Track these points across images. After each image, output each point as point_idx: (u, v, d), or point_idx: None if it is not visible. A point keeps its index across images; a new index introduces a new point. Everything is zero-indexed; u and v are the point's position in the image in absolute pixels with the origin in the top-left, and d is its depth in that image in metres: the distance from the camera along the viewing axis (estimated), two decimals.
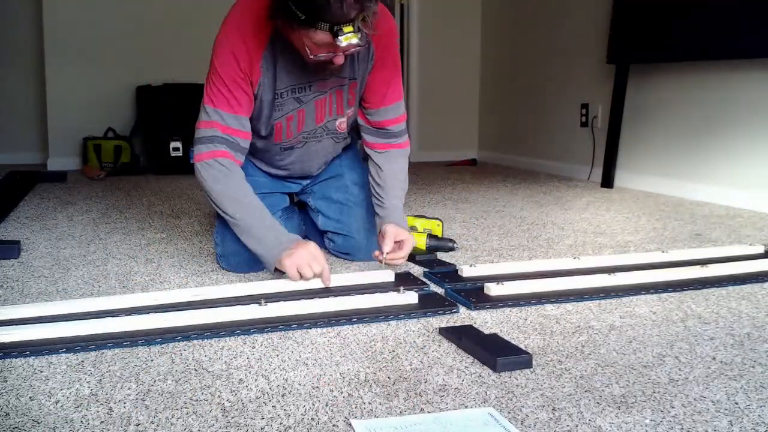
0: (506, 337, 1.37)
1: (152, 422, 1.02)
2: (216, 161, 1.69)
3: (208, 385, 1.16)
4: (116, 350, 1.32)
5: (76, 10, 4.57)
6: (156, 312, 1.49)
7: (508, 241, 2.35)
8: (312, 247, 1.66)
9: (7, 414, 1.05)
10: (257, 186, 1.81)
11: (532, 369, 1.23)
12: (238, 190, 1.71)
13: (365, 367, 1.24)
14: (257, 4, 1.62)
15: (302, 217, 2.17)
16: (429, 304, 1.57)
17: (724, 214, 2.91)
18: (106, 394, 1.12)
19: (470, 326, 1.42)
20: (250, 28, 1.66)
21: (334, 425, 1.02)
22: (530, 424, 1.03)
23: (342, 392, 1.13)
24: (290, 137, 1.86)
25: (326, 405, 1.08)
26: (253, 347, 1.33)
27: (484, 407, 1.08)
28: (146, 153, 4.62)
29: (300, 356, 1.29)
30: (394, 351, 1.32)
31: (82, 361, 1.26)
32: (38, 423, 1.02)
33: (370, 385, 1.16)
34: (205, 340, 1.37)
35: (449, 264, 1.98)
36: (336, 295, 1.61)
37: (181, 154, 4.35)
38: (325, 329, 1.44)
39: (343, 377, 1.19)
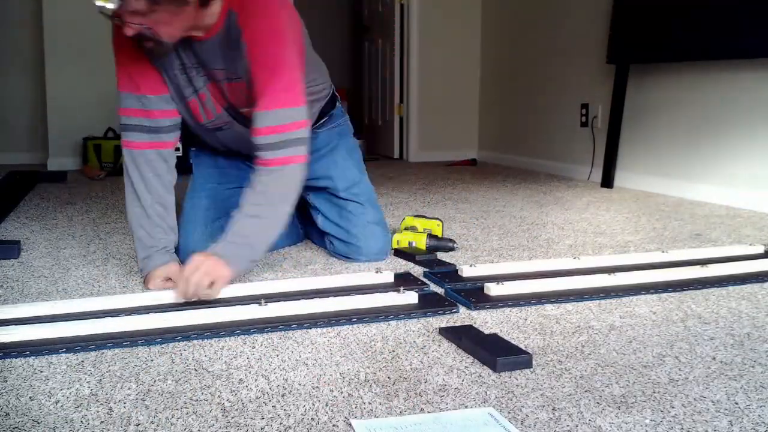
0: (506, 337, 1.37)
1: (152, 422, 1.02)
2: (127, 151, 1.75)
3: (208, 385, 1.16)
4: (116, 350, 1.32)
5: (76, 10, 4.57)
6: (156, 312, 1.49)
7: (508, 241, 2.35)
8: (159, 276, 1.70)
9: (7, 414, 1.05)
10: (216, 164, 1.86)
11: (532, 369, 1.23)
12: (138, 186, 1.74)
13: (365, 367, 1.24)
14: None
15: (301, 214, 2.15)
16: (429, 304, 1.57)
17: (724, 214, 2.91)
18: (106, 394, 1.12)
19: (470, 326, 1.42)
20: None
21: (334, 425, 1.02)
22: (530, 424, 1.03)
23: (342, 392, 1.13)
24: (211, 118, 1.81)
25: (326, 405, 1.09)
26: (253, 347, 1.33)
27: (484, 407, 1.08)
28: None
29: (300, 356, 1.29)
30: (394, 351, 1.32)
31: (82, 361, 1.26)
32: (38, 423, 1.02)
33: (370, 385, 1.16)
34: (205, 340, 1.37)
35: (449, 264, 1.98)
36: (336, 295, 1.61)
37: (180, 154, 4.34)
38: (325, 329, 1.44)
39: (343, 377, 1.19)
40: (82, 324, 1.39)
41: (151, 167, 1.74)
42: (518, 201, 3.27)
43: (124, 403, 1.09)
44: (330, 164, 2.03)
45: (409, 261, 2.04)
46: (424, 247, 2.13)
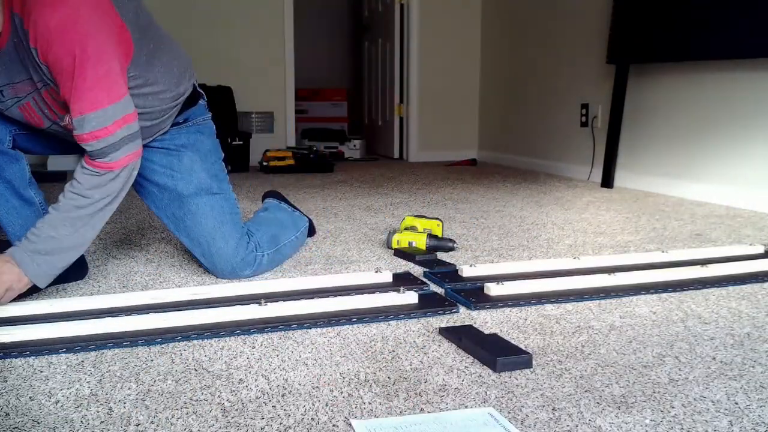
0: (506, 337, 1.37)
1: (152, 422, 1.02)
2: None
3: (208, 385, 1.16)
4: (116, 350, 1.32)
5: None
6: (156, 312, 1.49)
7: (508, 241, 2.35)
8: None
9: (7, 414, 1.05)
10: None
11: (532, 369, 1.23)
12: None
13: (365, 367, 1.24)
14: None
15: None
16: (429, 304, 1.57)
17: (724, 214, 2.91)
18: (106, 394, 1.12)
19: (470, 326, 1.42)
20: None
21: (334, 425, 1.02)
22: (530, 424, 1.03)
23: (342, 392, 1.13)
24: (42, 126, 1.65)
25: (326, 405, 1.08)
26: (253, 347, 1.33)
27: (484, 407, 1.08)
28: None
29: (300, 356, 1.29)
30: (394, 351, 1.32)
31: (82, 361, 1.26)
32: (38, 423, 1.02)
33: (370, 385, 1.16)
34: (205, 340, 1.37)
35: (449, 264, 1.98)
36: (336, 295, 1.61)
37: None
38: (325, 329, 1.44)
39: (343, 377, 1.19)
40: (82, 324, 1.39)
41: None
42: (518, 201, 3.27)
43: (124, 403, 1.09)
44: (173, 161, 1.79)
45: (409, 261, 2.04)
46: (424, 247, 2.13)
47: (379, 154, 5.86)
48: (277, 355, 1.29)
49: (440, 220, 2.30)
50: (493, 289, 1.65)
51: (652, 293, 1.70)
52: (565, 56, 4.32)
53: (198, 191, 1.78)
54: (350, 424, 1.02)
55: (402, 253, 2.09)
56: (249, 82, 5.01)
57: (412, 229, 2.23)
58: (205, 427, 1.01)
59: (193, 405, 1.08)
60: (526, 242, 2.35)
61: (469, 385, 1.16)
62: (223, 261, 1.80)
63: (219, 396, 1.12)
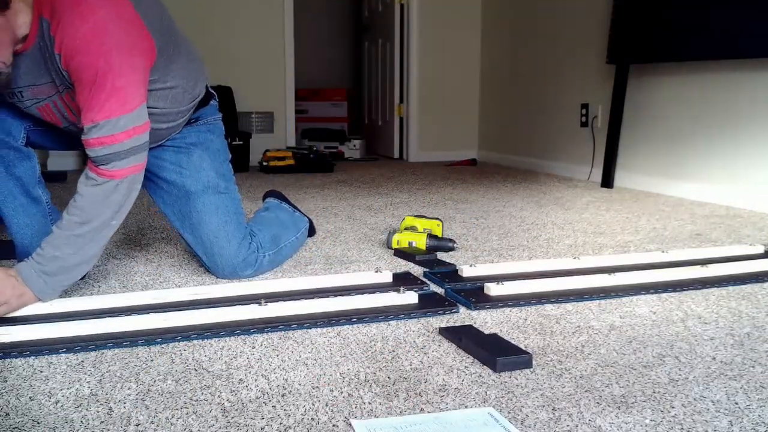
0: (506, 337, 1.37)
1: (152, 422, 1.02)
2: None
3: (208, 385, 1.16)
4: (116, 350, 1.32)
5: None
6: (156, 312, 1.49)
7: (508, 241, 2.35)
8: None
9: (7, 414, 1.05)
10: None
11: (532, 369, 1.23)
12: None
13: (365, 367, 1.24)
14: None
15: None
16: (429, 304, 1.57)
17: (724, 214, 2.91)
18: (106, 394, 1.12)
19: (470, 326, 1.42)
20: None
21: (334, 425, 1.02)
22: (530, 424, 1.03)
23: (342, 392, 1.13)
24: (60, 125, 1.67)
25: (326, 405, 1.08)
26: (253, 347, 1.33)
27: (484, 407, 1.08)
28: None
29: (300, 356, 1.29)
30: (394, 351, 1.32)
31: (82, 361, 1.26)
32: (38, 423, 1.02)
33: (370, 385, 1.16)
34: (205, 340, 1.37)
35: (449, 264, 1.98)
36: (336, 295, 1.61)
37: None
38: (325, 329, 1.44)
39: (343, 377, 1.19)
40: (82, 324, 1.40)
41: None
42: (518, 201, 3.27)
43: (124, 403, 1.09)
44: (183, 158, 1.80)
45: (409, 261, 2.04)
46: (424, 247, 2.13)
47: (379, 154, 5.86)
48: (277, 355, 1.29)
49: (440, 220, 2.30)
50: (493, 289, 1.65)
51: (652, 293, 1.70)
52: (565, 56, 4.32)
53: (205, 189, 1.79)
54: (350, 424, 1.02)
55: (402, 253, 2.09)
56: (249, 82, 5.01)
57: (412, 229, 2.23)
58: (205, 427, 1.01)
59: (193, 405, 1.08)
60: (526, 242, 2.35)
61: (469, 385, 1.16)
62: (224, 260, 1.80)
63: (219, 396, 1.12)
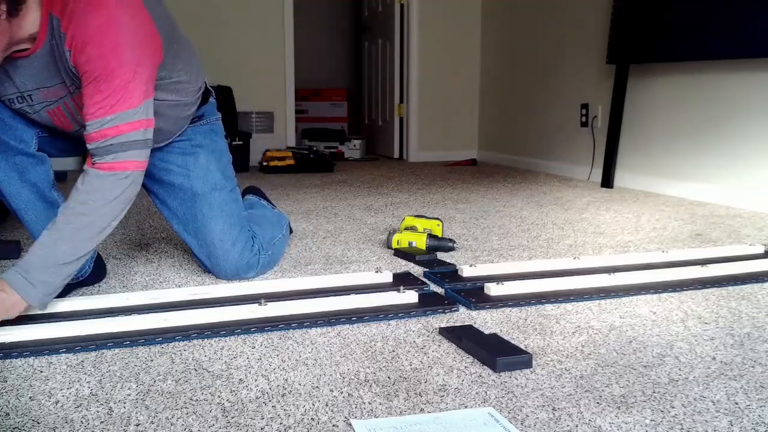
0: (506, 337, 1.37)
1: (152, 422, 1.02)
2: None
3: (208, 385, 1.16)
4: (116, 350, 1.32)
5: None
6: (156, 312, 1.49)
7: (508, 241, 2.35)
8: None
9: (7, 414, 1.05)
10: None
11: (532, 369, 1.23)
12: None
13: (365, 367, 1.24)
14: None
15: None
16: (429, 304, 1.57)
17: (724, 214, 2.91)
18: (106, 394, 1.12)
19: (470, 326, 1.42)
20: None
21: (334, 425, 1.02)
22: (530, 424, 1.03)
23: (342, 392, 1.13)
24: (70, 129, 1.66)
25: (326, 405, 1.08)
26: (253, 347, 1.33)
27: (484, 407, 1.08)
28: None
29: (300, 356, 1.29)
30: (394, 351, 1.32)
31: (82, 361, 1.26)
32: (38, 423, 1.02)
33: (370, 385, 1.16)
34: (205, 340, 1.37)
35: (449, 264, 1.98)
36: (336, 295, 1.61)
37: None
38: (325, 329, 1.44)
39: (343, 377, 1.19)
40: (82, 324, 1.40)
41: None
42: (518, 201, 3.27)
43: (124, 403, 1.09)
44: (189, 160, 1.80)
45: (409, 261, 2.04)
46: (424, 247, 2.13)
47: (379, 154, 5.86)
48: (277, 355, 1.29)
49: (440, 220, 2.30)
50: (493, 289, 1.65)
51: (652, 293, 1.70)
52: (565, 56, 4.32)
53: (212, 190, 1.80)
54: (350, 424, 1.02)
55: (402, 253, 2.09)
56: (249, 82, 5.01)
57: (412, 229, 2.23)
58: (205, 427, 1.01)
59: (193, 405, 1.08)
60: (526, 242, 2.35)
61: (469, 385, 1.16)
62: (228, 264, 1.80)
63: (219, 396, 1.12)
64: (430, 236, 2.16)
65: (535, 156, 4.69)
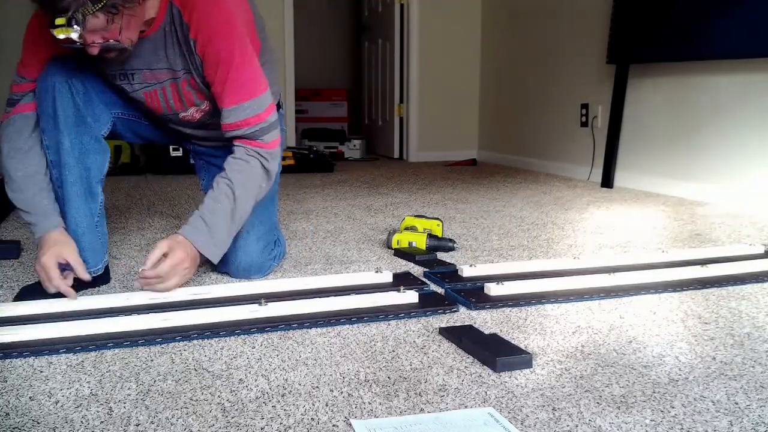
0: (506, 337, 1.37)
1: (152, 422, 1.02)
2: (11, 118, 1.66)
3: (208, 385, 1.16)
4: (116, 350, 1.32)
5: None
6: (156, 312, 1.49)
7: (508, 241, 2.35)
8: (48, 258, 1.54)
9: (7, 414, 1.05)
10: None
11: (532, 369, 1.23)
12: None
13: (365, 367, 1.24)
14: None
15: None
16: (429, 304, 1.57)
17: (724, 214, 2.91)
18: (106, 394, 1.12)
19: (470, 326, 1.42)
20: None
21: (334, 425, 1.02)
22: (530, 424, 1.03)
23: (342, 392, 1.13)
24: (159, 113, 1.77)
25: (326, 405, 1.09)
26: (253, 347, 1.33)
27: (484, 407, 1.08)
28: (146, 153, 4.62)
29: (300, 356, 1.29)
30: (394, 351, 1.32)
31: (82, 361, 1.26)
32: (38, 423, 1.02)
33: (370, 385, 1.16)
34: (205, 340, 1.37)
35: (449, 264, 1.98)
36: (336, 295, 1.61)
37: (180, 155, 4.36)
38: (325, 329, 1.44)
39: (343, 377, 1.19)
40: (82, 324, 1.40)
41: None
42: (518, 201, 3.27)
43: (124, 403, 1.09)
44: None
45: (409, 261, 2.04)
46: (424, 247, 2.13)
47: (379, 154, 5.86)
48: (277, 355, 1.29)
49: (440, 220, 2.30)
50: (493, 289, 1.65)
51: (652, 293, 1.70)
52: (565, 56, 4.32)
53: None
54: (350, 424, 1.02)
55: (402, 253, 2.09)
56: None
57: (412, 229, 2.23)
58: (205, 427, 1.01)
59: (193, 405, 1.08)
60: (526, 242, 2.35)
61: (469, 385, 1.16)
62: (246, 257, 1.79)
63: (219, 396, 1.12)
64: (430, 236, 2.16)
65: (535, 156, 4.69)
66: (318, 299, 1.56)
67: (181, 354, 1.30)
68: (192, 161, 2.05)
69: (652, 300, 1.66)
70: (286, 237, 2.32)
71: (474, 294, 1.64)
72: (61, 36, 1.37)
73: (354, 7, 6.79)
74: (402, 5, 5.41)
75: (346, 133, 5.97)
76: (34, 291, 1.61)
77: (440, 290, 1.73)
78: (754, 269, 1.89)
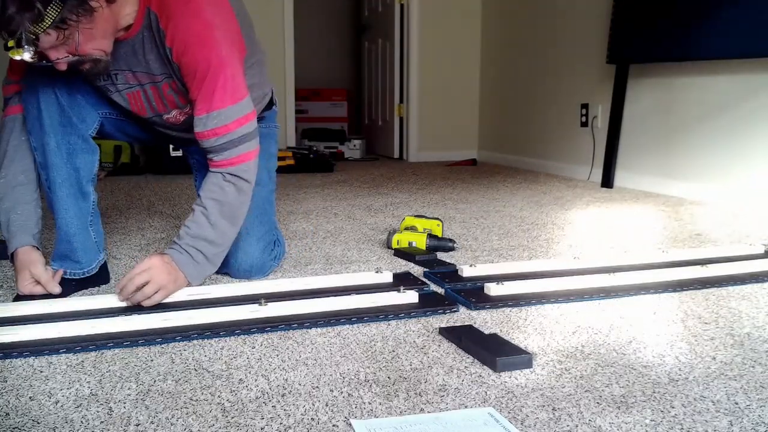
0: (506, 337, 1.37)
1: (152, 422, 1.02)
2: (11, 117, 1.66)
3: (208, 385, 1.16)
4: (116, 350, 1.32)
5: None
6: (156, 312, 1.49)
7: (508, 241, 2.35)
8: (25, 287, 1.58)
9: (7, 414, 1.05)
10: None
11: (532, 369, 1.23)
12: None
13: (365, 367, 1.24)
14: None
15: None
16: (429, 304, 1.57)
17: (724, 213, 2.91)
18: (106, 394, 1.12)
19: (470, 326, 1.42)
20: None
21: (334, 425, 1.02)
22: (530, 424, 1.03)
23: (342, 392, 1.13)
24: (144, 115, 1.74)
25: (326, 405, 1.08)
26: (253, 347, 1.33)
27: (484, 407, 1.08)
28: (146, 153, 4.62)
29: (300, 356, 1.29)
30: (394, 351, 1.32)
31: (82, 361, 1.26)
32: (38, 423, 1.02)
33: (370, 385, 1.16)
34: (205, 340, 1.37)
35: (449, 264, 1.98)
36: (336, 295, 1.61)
37: (180, 155, 4.35)
38: (325, 329, 1.44)
39: (343, 377, 1.19)
40: (82, 324, 1.39)
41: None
42: (518, 201, 3.27)
43: (124, 403, 1.09)
44: None
45: (409, 261, 2.04)
46: (424, 247, 2.13)
47: (379, 154, 5.86)
48: (277, 355, 1.29)
49: (440, 220, 2.30)
50: (493, 289, 1.65)
51: (652, 293, 1.70)
52: (565, 56, 4.32)
53: (255, 184, 1.79)
54: (350, 424, 1.02)
55: (402, 253, 2.09)
56: None
57: (412, 229, 2.23)
58: (205, 427, 1.01)
59: (193, 405, 1.08)
60: (526, 242, 2.35)
61: (469, 385, 1.16)
62: (247, 258, 1.80)
63: (219, 396, 1.12)
64: (430, 236, 2.16)
65: (535, 156, 4.70)
66: (318, 299, 1.56)
67: (181, 354, 1.30)
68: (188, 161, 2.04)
69: (652, 300, 1.66)
70: (286, 237, 2.32)
71: (474, 294, 1.64)
72: (17, 57, 1.34)
73: (354, 7, 6.79)
74: (402, 5, 5.41)
75: (346, 133, 5.97)
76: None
77: (440, 290, 1.73)
78: (754, 269, 1.89)
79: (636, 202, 3.27)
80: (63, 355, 1.29)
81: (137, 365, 1.25)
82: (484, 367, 1.24)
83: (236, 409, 1.07)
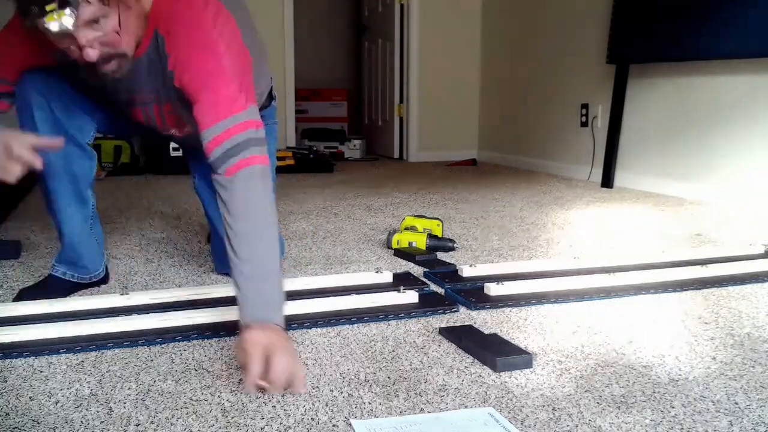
0: (506, 337, 1.37)
1: (152, 422, 1.02)
2: None
3: (208, 385, 1.16)
4: (116, 350, 1.32)
5: None
6: (156, 312, 1.49)
7: (508, 241, 2.35)
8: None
9: (7, 414, 1.05)
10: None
11: (532, 369, 1.23)
12: None
13: (365, 367, 1.24)
14: None
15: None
16: (429, 304, 1.57)
17: (724, 213, 2.91)
18: (106, 394, 1.12)
19: (470, 326, 1.42)
20: None
21: (334, 425, 1.02)
22: (530, 424, 1.03)
23: (342, 392, 1.13)
24: (142, 121, 1.69)
25: (326, 405, 1.08)
26: None
27: (484, 407, 1.08)
28: (146, 153, 4.62)
29: (300, 356, 1.29)
30: (394, 351, 1.32)
31: (82, 361, 1.26)
32: (38, 423, 1.02)
33: (370, 385, 1.16)
34: (205, 340, 1.37)
35: (449, 264, 1.98)
36: (336, 295, 1.61)
37: (180, 154, 4.35)
38: (325, 329, 1.44)
39: (343, 377, 1.19)
40: (82, 324, 1.39)
41: None
42: (518, 201, 3.27)
43: (124, 403, 1.09)
44: None
45: (409, 261, 2.04)
46: (424, 247, 2.13)
47: (379, 154, 5.85)
48: None
49: (440, 220, 2.30)
50: (493, 289, 1.65)
51: (652, 293, 1.70)
52: (565, 56, 4.32)
53: None
54: (350, 424, 1.02)
55: (402, 253, 2.09)
56: None
57: (412, 229, 2.23)
58: (205, 427, 1.01)
59: (193, 405, 1.08)
60: (526, 242, 2.35)
61: (469, 385, 1.16)
62: None
63: (219, 396, 1.12)
64: (430, 236, 2.16)
65: (535, 156, 4.69)
66: (318, 299, 1.56)
67: (181, 354, 1.30)
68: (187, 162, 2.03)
69: (652, 300, 1.66)
70: (286, 237, 2.32)
71: (474, 294, 1.64)
72: (53, 26, 1.25)
73: (354, 7, 6.79)
74: (402, 5, 5.41)
75: (346, 133, 5.97)
76: (34, 291, 1.62)
77: (440, 290, 1.73)
78: (754, 269, 1.89)
79: (636, 202, 3.27)
80: (63, 355, 1.29)
81: (137, 365, 1.25)
82: (484, 367, 1.24)
83: (236, 409, 1.07)
